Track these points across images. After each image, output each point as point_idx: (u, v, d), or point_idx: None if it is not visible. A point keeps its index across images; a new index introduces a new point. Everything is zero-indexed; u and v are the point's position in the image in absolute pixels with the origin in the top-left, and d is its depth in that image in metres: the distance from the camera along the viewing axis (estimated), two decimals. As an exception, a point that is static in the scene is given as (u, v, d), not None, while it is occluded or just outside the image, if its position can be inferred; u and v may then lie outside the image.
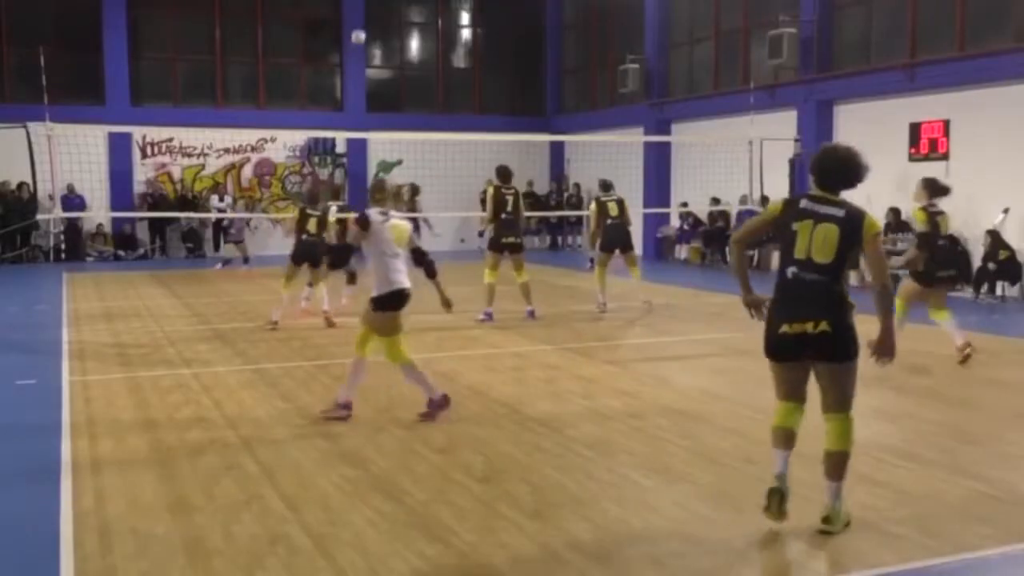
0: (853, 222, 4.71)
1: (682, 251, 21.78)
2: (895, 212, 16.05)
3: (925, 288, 9.08)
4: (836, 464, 4.85)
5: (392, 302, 6.98)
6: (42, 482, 5.66)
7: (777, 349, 4.86)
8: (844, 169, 4.84)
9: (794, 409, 5.00)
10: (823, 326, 4.68)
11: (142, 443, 6.48)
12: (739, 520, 4.97)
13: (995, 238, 14.24)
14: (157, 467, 5.92)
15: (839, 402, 4.85)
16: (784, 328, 4.76)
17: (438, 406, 7.10)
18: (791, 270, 4.78)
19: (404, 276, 7.05)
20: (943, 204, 9.15)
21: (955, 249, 9.08)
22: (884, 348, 4.81)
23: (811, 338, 4.71)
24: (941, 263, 9.14)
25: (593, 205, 13.41)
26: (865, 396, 7.95)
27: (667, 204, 21.80)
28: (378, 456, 6.17)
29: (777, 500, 4.78)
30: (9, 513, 5.21)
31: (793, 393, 4.97)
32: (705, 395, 8.04)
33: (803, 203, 4.83)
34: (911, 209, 10.27)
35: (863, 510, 5.09)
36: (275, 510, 5.14)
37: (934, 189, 9.04)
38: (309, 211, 12.03)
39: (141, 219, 22.64)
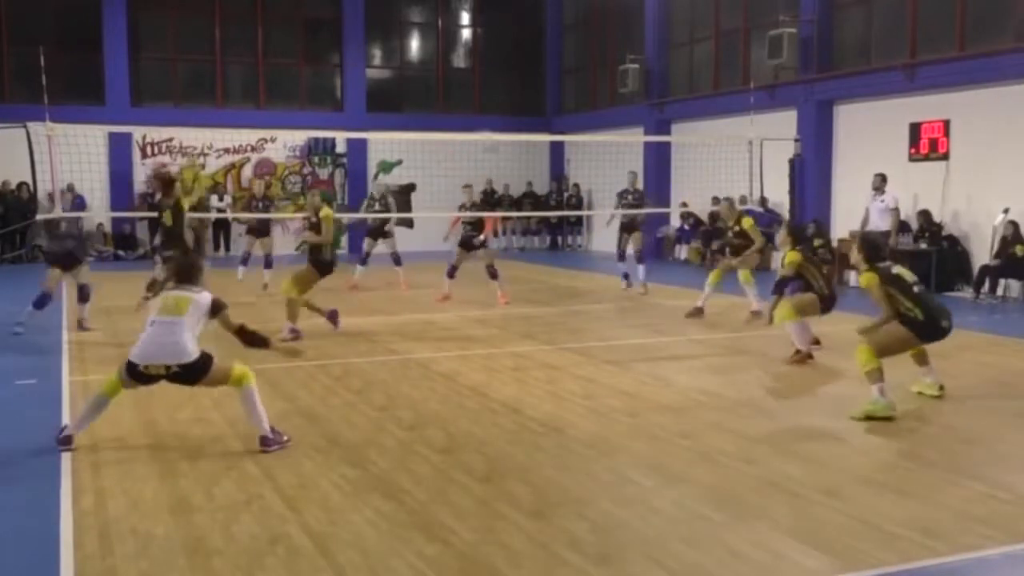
0: None
1: (682, 251, 21.79)
2: (895, 212, 16.04)
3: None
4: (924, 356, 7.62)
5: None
6: (42, 482, 5.66)
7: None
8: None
9: None
10: None
11: (142, 443, 6.48)
12: (739, 520, 4.97)
13: (1016, 230, 14.13)
14: (157, 467, 5.92)
15: None
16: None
17: None
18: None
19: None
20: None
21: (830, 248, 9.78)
22: None
23: None
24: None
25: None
26: (865, 395, 7.97)
27: (667, 204, 21.80)
28: (378, 456, 6.17)
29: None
30: (9, 513, 5.21)
31: None
32: (705, 395, 8.04)
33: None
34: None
35: (863, 510, 5.09)
36: (275, 510, 5.14)
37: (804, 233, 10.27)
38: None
39: (141, 219, 22.63)
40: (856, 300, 12.04)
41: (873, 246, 7.78)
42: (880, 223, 15.38)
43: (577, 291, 15.73)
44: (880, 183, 15.57)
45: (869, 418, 7.06)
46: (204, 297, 6.35)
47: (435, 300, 13.84)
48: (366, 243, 15.80)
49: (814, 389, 8.39)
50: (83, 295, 11.42)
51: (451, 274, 14.08)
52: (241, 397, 6.39)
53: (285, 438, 6.43)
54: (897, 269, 7.59)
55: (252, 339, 6.66)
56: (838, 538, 4.71)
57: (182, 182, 15.30)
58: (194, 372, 6.19)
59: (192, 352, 6.16)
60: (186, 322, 6.19)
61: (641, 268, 14.93)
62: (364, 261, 15.78)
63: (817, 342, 9.71)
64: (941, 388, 7.78)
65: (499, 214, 22.52)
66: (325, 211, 11.03)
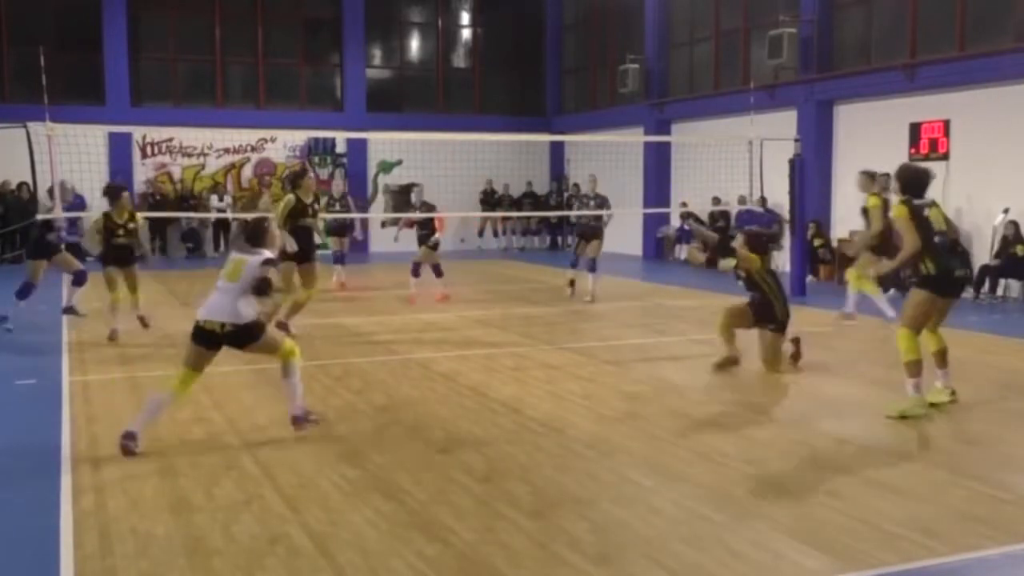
0: None
1: (682, 251, 21.77)
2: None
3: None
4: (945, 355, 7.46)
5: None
6: (42, 482, 5.66)
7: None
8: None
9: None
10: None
11: (142, 443, 6.47)
12: (739, 520, 4.96)
13: (1016, 229, 14.13)
14: (157, 467, 5.92)
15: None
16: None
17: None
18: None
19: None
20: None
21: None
22: None
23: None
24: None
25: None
26: (865, 396, 7.98)
27: (667, 204, 21.80)
28: (378, 456, 6.17)
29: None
30: (9, 513, 5.21)
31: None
32: (705, 395, 8.04)
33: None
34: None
35: (863, 510, 5.09)
36: (275, 510, 5.14)
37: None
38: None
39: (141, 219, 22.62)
40: (861, 301, 12.02)
41: (911, 178, 7.37)
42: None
43: (577, 291, 15.72)
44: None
45: (903, 417, 7.00)
46: (256, 259, 6.61)
47: (435, 301, 13.83)
48: (332, 243, 15.81)
49: (814, 389, 8.38)
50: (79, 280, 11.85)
51: (416, 272, 14.08)
52: (286, 370, 6.72)
53: (314, 418, 6.84)
54: (930, 211, 7.20)
55: (265, 286, 6.61)
56: (838, 538, 4.70)
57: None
58: (246, 334, 6.52)
59: (245, 316, 6.50)
60: (240, 288, 6.53)
61: (591, 276, 14.12)
62: (340, 260, 15.98)
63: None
64: (953, 393, 7.59)
65: (445, 214, 22.38)
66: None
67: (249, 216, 9.98)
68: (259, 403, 7.70)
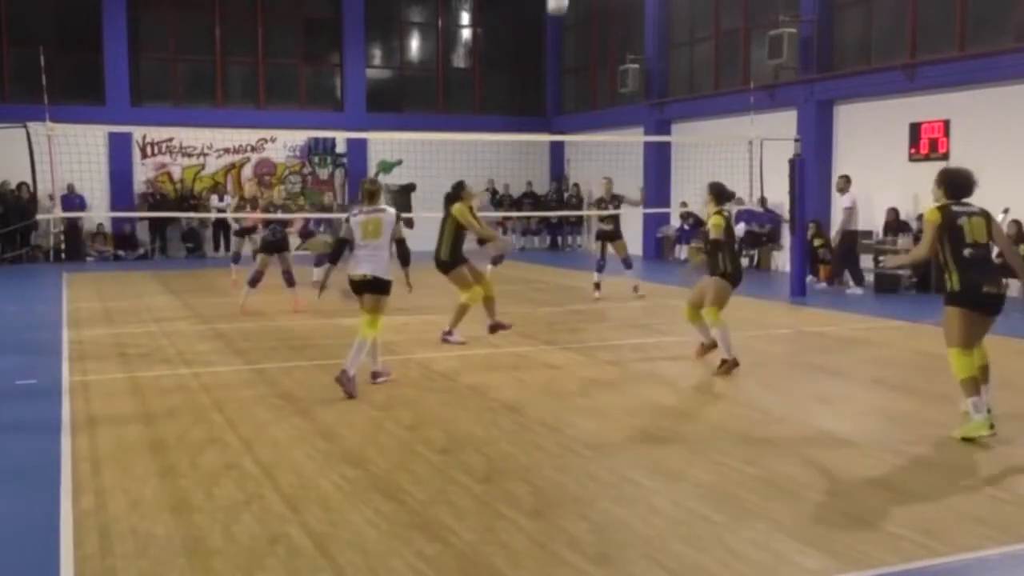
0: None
1: (682, 251, 21.78)
2: (895, 212, 16.07)
3: (731, 288, 9.25)
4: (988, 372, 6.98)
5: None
6: (42, 482, 5.66)
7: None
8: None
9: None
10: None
11: (142, 443, 6.48)
12: (739, 520, 4.96)
13: (1017, 229, 14.13)
14: (157, 467, 5.92)
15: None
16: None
17: (379, 374, 8.38)
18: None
19: (358, 264, 8.04)
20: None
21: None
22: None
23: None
24: (739, 266, 9.41)
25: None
26: (865, 396, 7.98)
27: (667, 204, 21.79)
28: (378, 456, 6.17)
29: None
30: (9, 513, 5.21)
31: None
32: (705, 395, 8.04)
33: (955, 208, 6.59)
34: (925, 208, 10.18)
35: (863, 510, 5.09)
36: (275, 510, 5.14)
37: (721, 195, 9.31)
38: None
39: (141, 219, 22.64)
40: (864, 301, 12.01)
41: (952, 181, 6.79)
42: (848, 222, 15.90)
43: (577, 291, 15.73)
44: (844, 184, 16.07)
45: (966, 440, 6.46)
46: (389, 215, 8.13)
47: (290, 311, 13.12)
48: (259, 260, 14.05)
49: (814, 389, 8.38)
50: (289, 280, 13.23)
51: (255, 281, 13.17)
52: (374, 338, 8.08)
53: (391, 373, 8.47)
54: (965, 221, 6.64)
55: (406, 253, 8.26)
56: (838, 538, 4.70)
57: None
58: (380, 287, 8.03)
59: (387, 272, 8.02)
60: (384, 244, 8.03)
61: (629, 273, 15.00)
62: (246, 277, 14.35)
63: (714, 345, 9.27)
64: (990, 423, 6.61)
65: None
66: None
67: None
68: (259, 403, 7.69)
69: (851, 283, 15.85)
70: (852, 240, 15.94)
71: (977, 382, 6.63)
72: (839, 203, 16.20)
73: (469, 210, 10.66)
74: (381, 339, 8.44)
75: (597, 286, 14.80)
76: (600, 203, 15.04)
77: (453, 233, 10.50)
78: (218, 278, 17.99)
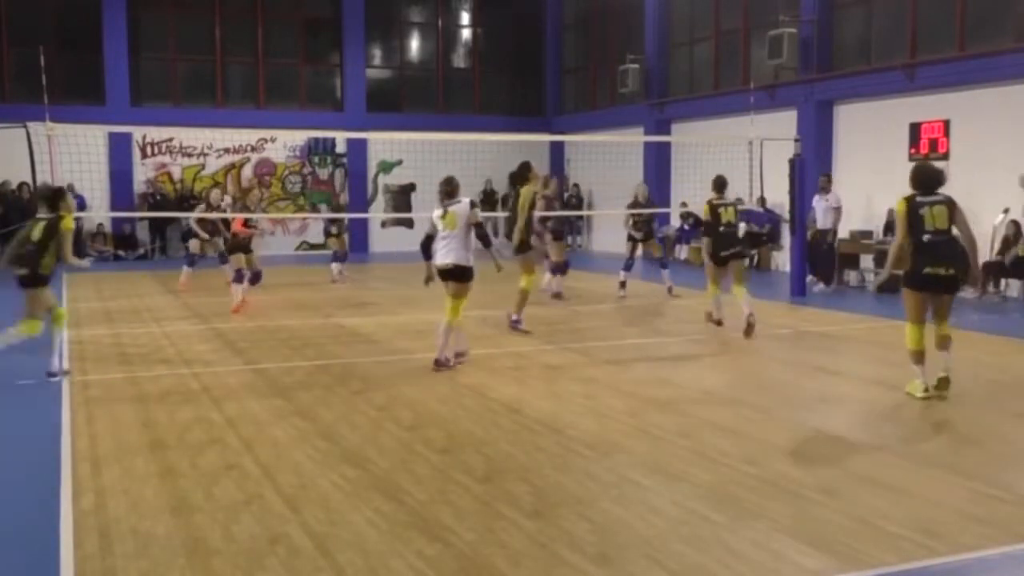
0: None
1: (682, 251, 21.78)
2: (837, 211, 16.06)
3: (719, 267, 11.02)
4: (947, 342, 7.78)
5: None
6: (42, 482, 5.66)
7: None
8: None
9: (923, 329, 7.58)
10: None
11: (142, 443, 6.48)
12: (739, 520, 4.97)
13: (1017, 229, 14.14)
14: (157, 467, 5.92)
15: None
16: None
17: (441, 364, 8.85)
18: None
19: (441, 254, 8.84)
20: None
21: (735, 233, 11.25)
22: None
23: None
24: (725, 245, 10.98)
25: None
26: (865, 395, 7.99)
27: (667, 204, 21.79)
28: (378, 456, 6.17)
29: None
30: (9, 513, 5.21)
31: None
32: (705, 395, 8.04)
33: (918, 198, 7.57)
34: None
35: (863, 510, 5.09)
36: (275, 510, 5.14)
37: (714, 185, 11.31)
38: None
39: (141, 219, 22.63)
40: (865, 300, 12.02)
41: (920, 177, 7.73)
42: (825, 221, 15.92)
43: (577, 291, 15.72)
44: (826, 183, 16.09)
45: (909, 395, 7.73)
46: (463, 205, 8.86)
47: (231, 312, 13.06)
48: (331, 243, 15.73)
49: (814, 389, 8.38)
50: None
51: (239, 279, 13.34)
52: (457, 325, 8.81)
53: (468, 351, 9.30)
54: (927, 211, 7.53)
55: (484, 235, 9.05)
56: (838, 538, 4.70)
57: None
58: (464, 274, 8.77)
59: (469, 259, 8.79)
60: (460, 234, 8.75)
61: (666, 272, 15.20)
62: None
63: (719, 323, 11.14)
64: (946, 380, 7.78)
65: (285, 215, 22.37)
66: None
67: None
68: (259, 403, 7.69)
69: (820, 283, 15.79)
70: (823, 239, 15.90)
71: (922, 354, 7.67)
72: (819, 204, 15.94)
73: (532, 196, 11.14)
74: (381, 340, 8.44)
75: (623, 284, 15.02)
76: (634, 207, 15.15)
77: (528, 212, 10.81)
78: (218, 278, 17.99)
